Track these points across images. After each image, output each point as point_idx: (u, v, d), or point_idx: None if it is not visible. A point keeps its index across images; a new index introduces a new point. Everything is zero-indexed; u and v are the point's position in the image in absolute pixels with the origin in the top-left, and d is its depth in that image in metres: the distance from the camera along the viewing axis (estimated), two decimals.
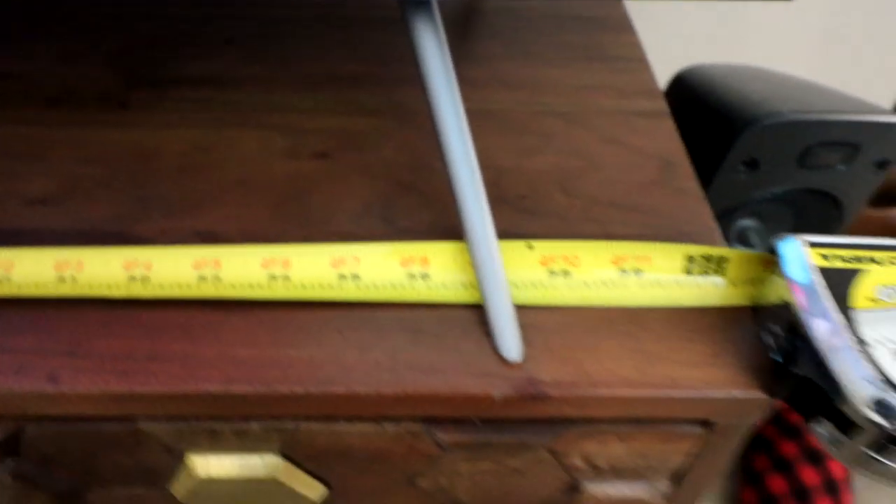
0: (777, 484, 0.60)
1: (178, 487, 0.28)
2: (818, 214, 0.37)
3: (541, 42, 0.38)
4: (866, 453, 0.21)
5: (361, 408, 0.24)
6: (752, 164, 0.34)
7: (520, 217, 0.29)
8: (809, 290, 0.22)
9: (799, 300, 0.22)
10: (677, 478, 0.28)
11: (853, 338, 0.21)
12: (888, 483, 0.22)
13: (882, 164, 0.35)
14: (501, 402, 0.23)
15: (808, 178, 0.35)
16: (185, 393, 0.23)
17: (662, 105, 0.34)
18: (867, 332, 0.21)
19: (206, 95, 0.35)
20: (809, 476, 0.59)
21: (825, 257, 0.23)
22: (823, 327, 0.21)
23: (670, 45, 0.55)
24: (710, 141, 0.34)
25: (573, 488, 0.29)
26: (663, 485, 0.28)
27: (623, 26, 0.39)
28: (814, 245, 0.23)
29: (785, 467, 0.60)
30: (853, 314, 0.22)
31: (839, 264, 0.22)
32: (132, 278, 0.26)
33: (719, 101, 0.34)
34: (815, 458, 0.60)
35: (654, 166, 0.31)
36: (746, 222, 0.37)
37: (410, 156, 0.32)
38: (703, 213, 0.29)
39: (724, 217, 0.37)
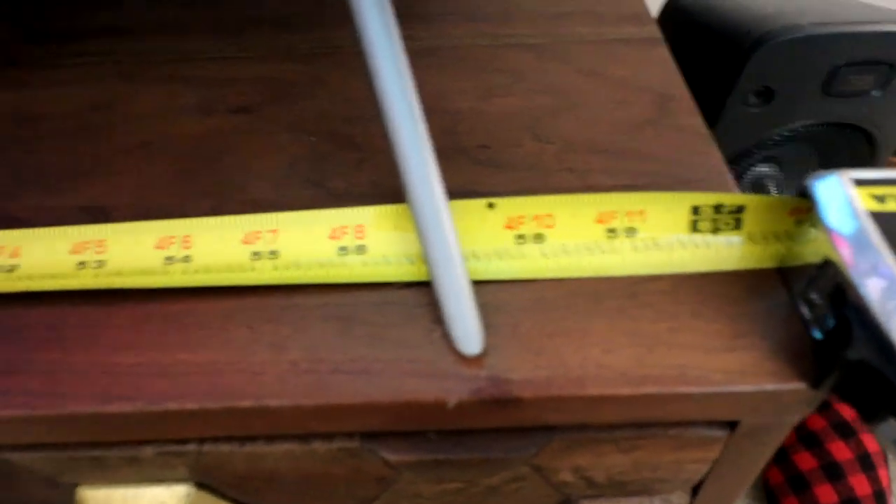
0: (805, 460, 0.54)
1: None
2: (848, 155, 0.31)
3: None
4: None
5: (276, 425, 0.18)
6: (766, 94, 0.27)
7: (480, 170, 0.23)
8: (859, 241, 0.16)
9: (845, 256, 0.16)
10: (695, 491, 0.23)
11: None
12: None
13: None
14: (457, 411, 0.18)
15: (834, 109, 0.28)
16: (48, 416, 0.18)
17: (654, 30, 0.28)
18: None
19: (107, 48, 0.30)
20: (840, 450, 0.53)
21: (879, 199, 0.17)
22: (880, 289, 0.16)
23: None
24: (713, 68, 0.28)
25: None
26: (678, 498, 0.23)
27: None
28: (862, 183, 0.17)
29: (813, 442, 0.54)
30: None
31: None
32: None
33: (723, 18, 0.28)
34: (846, 431, 0.54)
35: (646, 101, 0.25)
36: (762, 168, 0.31)
37: (349, 106, 0.26)
38: (710, 153, 0.23)
39: (734, 164, 0.31)
